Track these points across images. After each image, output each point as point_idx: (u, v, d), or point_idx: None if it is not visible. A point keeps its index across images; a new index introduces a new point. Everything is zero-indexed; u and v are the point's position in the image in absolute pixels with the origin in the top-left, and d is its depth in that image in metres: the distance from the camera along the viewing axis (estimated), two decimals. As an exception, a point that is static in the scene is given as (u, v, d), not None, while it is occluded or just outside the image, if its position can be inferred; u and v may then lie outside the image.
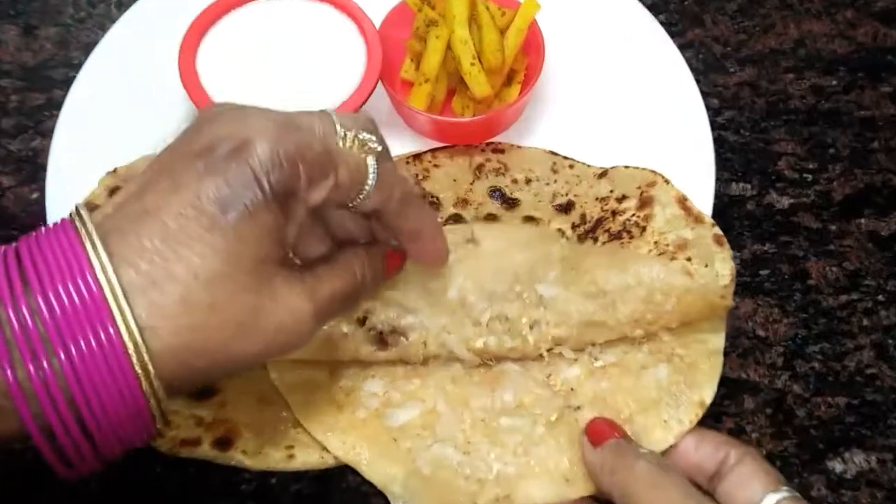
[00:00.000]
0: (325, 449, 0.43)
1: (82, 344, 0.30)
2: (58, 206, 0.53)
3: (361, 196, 0.37)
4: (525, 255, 0.48)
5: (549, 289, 0.47)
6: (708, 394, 0.45)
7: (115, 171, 0.53)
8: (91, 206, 0.33)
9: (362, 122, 0.38)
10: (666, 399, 0.45)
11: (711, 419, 0.49)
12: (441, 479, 0.43)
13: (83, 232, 0.31)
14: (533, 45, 0.58)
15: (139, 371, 0.30)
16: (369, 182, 0.37)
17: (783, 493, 0.38)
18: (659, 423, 0.44)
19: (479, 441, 0.44)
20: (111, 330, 0.30)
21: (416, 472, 0.43)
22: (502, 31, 0.56)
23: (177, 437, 0.41)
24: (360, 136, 0.37)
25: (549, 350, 0.46)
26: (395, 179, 0.39)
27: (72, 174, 0.54)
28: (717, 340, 0.47)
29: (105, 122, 0.57)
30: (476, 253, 0.48)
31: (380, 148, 0.38)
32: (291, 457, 0.42)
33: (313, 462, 0.43)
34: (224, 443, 0.41)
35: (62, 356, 0.30)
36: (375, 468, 0.43)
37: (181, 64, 0.54)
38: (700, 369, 0.46)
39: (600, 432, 0.42)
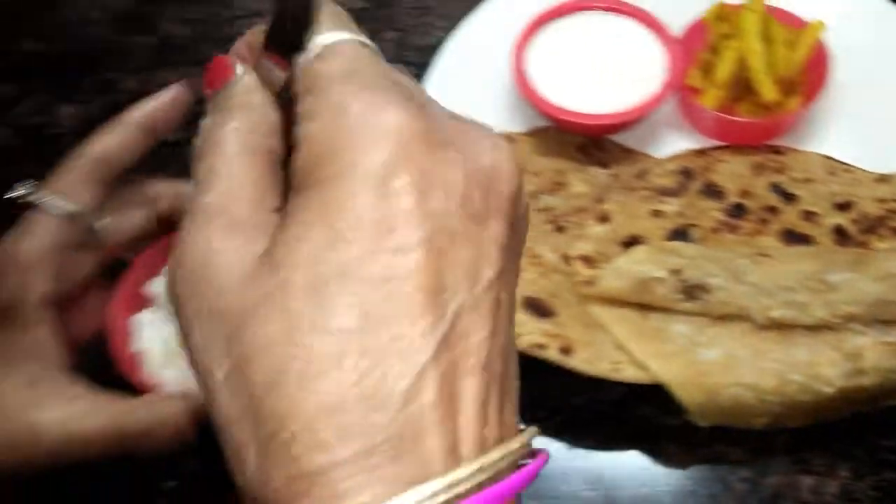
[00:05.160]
0: (640, 369, 0.51)
1: None
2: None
3: None
4: (813, 261, 0.55)
5: (839, 275, 0.52)
6: None
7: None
8: None
9: None
10: None
11: None
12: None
13: None
14: (817, 61, 0.64)
15: None
16: None
17: None
18: None
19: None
20: None
21: (715, 403, 0.50)
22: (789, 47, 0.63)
23: (530, 340, 0.51)
24: None
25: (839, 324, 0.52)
26: None
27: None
28: None
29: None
30: (765, 261, 0.55)
31: None
32: (616, 371, 0.51)
33: (631, 376, 0.51)
34: (566, 351, 0.50)
35: None
36: (684, 391, 0.50)
37: (515, 65, 0.64)
38: None
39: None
